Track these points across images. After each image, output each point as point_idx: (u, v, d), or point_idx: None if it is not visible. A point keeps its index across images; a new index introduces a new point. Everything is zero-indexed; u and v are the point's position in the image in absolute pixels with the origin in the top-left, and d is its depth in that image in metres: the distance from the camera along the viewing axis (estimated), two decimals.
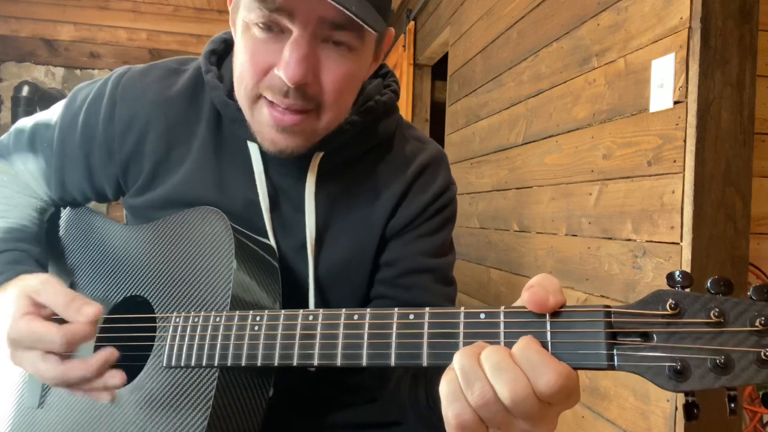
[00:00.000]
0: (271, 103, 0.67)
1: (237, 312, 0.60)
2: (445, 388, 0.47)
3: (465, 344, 0.48)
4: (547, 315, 0.47)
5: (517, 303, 0.50)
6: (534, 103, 2.07)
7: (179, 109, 0.79)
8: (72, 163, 0.82)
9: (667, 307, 0.44)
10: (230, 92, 0.76)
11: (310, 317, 0.55)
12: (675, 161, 1.32)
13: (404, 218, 0.80)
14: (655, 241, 1.37)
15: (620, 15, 1.56)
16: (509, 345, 0.46)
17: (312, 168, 0.76)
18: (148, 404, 0.66)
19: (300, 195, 0.77)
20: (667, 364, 0.43)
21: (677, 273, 0.46)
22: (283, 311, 0.57)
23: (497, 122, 2.43)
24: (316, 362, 0.53)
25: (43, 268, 0.78)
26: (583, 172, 1.71)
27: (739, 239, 1.28)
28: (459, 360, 0.46)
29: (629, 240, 1.48)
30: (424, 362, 0.49)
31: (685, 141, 1.29)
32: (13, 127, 0.88)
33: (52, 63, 4.54)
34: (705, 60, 1.26)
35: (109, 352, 0.60)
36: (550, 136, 1.94)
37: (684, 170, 1.29)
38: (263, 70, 0.66)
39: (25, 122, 0.87)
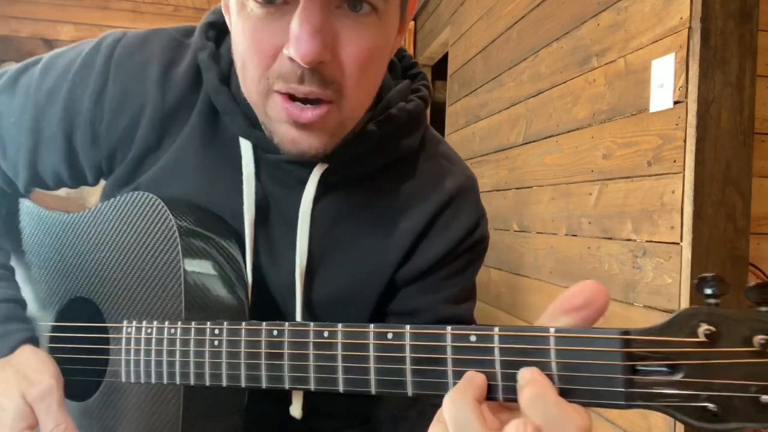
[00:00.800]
0: (286, 96, 0.55)
1: (193, 324, 0.53)
2: None
3: (454, 373, 0.40)
4: (552, 339, 0.38)
5: (546, 317, 0.40)
6: (534, 103, 2.07)
7: (180, 91, 0.65)
8: (49, 143, 0.67)
9: (700, 334, 0.35)
10: (227, 76, 0.65)
11: (275, 332, 0.48)
12: (675, 161, 1.32)
13: (424, 261, 0.67)
14: (655, 241, 1.37)
15: (620, 15, 1.56)
16: (507, 375, 0.39)
17: (312, 179, 0.63)
18: (114, 420, 0.61)
19: (294, 210, 0.64)
20: (701, 404, 0.35)
21: (709, 279, 0.37)
22: (244, 324, 0.50)
23: (497, 122, 2.43)
24: (287, 385, 0.47)
25: (24, 310, 0.69)
26: (583, 172, 1.71)
27: (739, 239, 1.28)
28: (451, 410, 0.38)
29: (629, 240, 1.48)
30: (409, 392, 0.42)
31: (685, 141, 1.29)
32: None
33: None
34: (705, 60, 1.26)
35: None
36: (550, 136, 1.94)
37: (684, 170, 1.29)
38: (270, 55, 0.53)
39: None
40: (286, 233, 0.65)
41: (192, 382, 0.52)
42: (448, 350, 0.41)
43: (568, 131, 1.81)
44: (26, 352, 0.62)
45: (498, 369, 0.39)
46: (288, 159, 0.62)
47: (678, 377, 0.36)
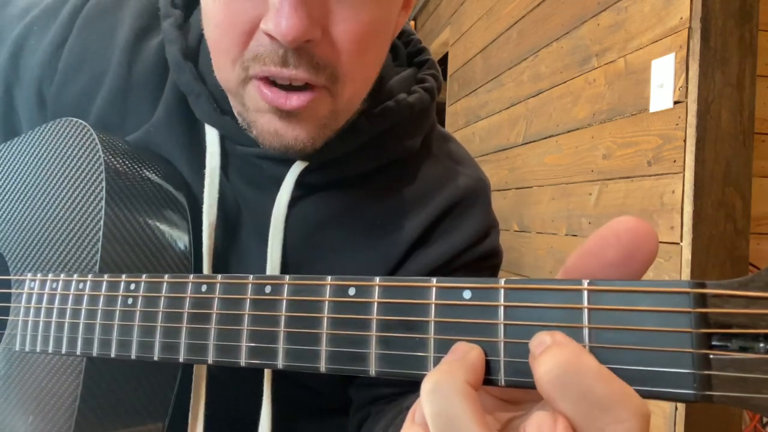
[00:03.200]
0: (264, 80, 0.45)
1: (105, 276, 0.42)
2: None
3: (438, 343, 0.28)
4: (585, 294, 0.25)
5: (569, 265, 0.28)
6: (534, 103, 2.07)
7: (151, 65, 0.55)
8: None
9: None
10: (194, 51, 0.55)
11: (204, 288, 0.37)
12: (675, 161, 1.32)
13: (415, 272, 0.55)
14: None
15: (620, 15, 1.56)
16: (512, 348, 0.27)
17: (287, 179, 0.52)
18: (4, 398, 0.51)
19: (266, 214, 0.53)
20: None
21: None
22: (166, 277, 0.39)
23: (497, 122, 2.43)
24: (210, 358, 0.36)
25: None
26: (583, 172, 1.71)
27: (739, 239, 1.28)
28: (433, 401, 0.25)
29: None
30: (372, 369, 0.30)
31: (685, 141, 1.29)
32: None
33: None
34: (705, 60, 1.26)
35: None
36: (550, 136, 1.94)
37: (684, 170, 1.29)
38: (245, 31, 0.43)
39: None
40: (256, 241, 0.54)
41: (95, 351, 0.41)
42: (432, 311, 0.29)
43: (568, 131, 1.81)
44: None
45: (501, 338, 0.27)
46: (260, 153, 0.52)
47: None
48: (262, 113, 0.46)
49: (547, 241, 1.93)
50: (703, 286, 0.24)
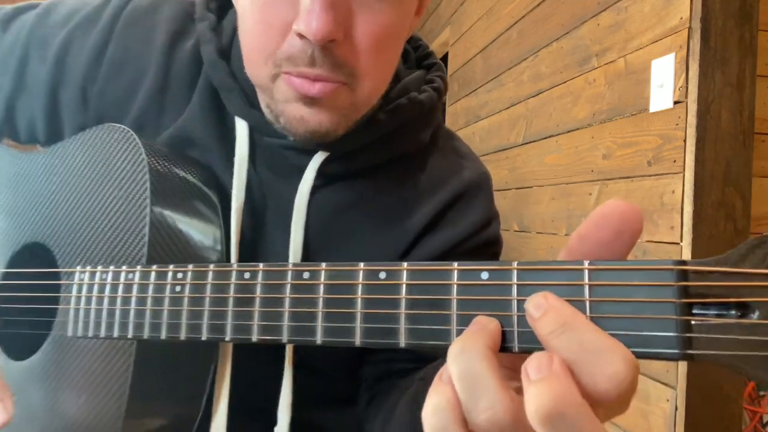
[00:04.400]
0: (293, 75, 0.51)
1: (154, 267, 0.46)
2: (431, 407, 0.30)
3: (459, 318, 0.33)
4: (586, 273, 0.30)
5: (570, 248, 0.34)
6: (534, 103, 2.07)
7: (185, 66, 0.61)
8: (32, 91, 0.63)
9: None
10: (227, 51, 0.61)
11: (247, 275, 0.41)
12: (675, 161, 1.32)
13: (423, 257, 0.61)
14: (655, 241, 1.37)
15: (620, 15, 1.56)
16: (525, 320, 0.31)
17: (310, 168, 0.58)
18: (57, 382, 0.54)
19: (289, 201, 0.58)
20: None
21: None
22: (212, 266, 0.44)
23: (497, 122, 2.43)
24: (255, 336, 0.41)
25: None
26: (583, 172, 1.71)
27: (739, 239, 1.28)
28: (459, 362, 0.30)
29: None
30: (402, 341, 0.35)
31: (685, 141, 1.29)
32: None
33: None
34: (705, 60, 1.26)
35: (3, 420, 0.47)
36: (550, 136, 1.94)
37: (684, 170, 1.29)
38: (279, 32, 0.49)
39: None
40: (280, 226, 0.58)
41: (146, 334, 0.45)
42: (454, 290, 0.34)
43: (568, 131, 1.82)
44: None
45: (514, 312, 0.32)
46: (285, 144, 0.58)
47: (748, 321, 0.27)
48: (289, 103, 0.52)
49: (547, 241, 1.93)
50: (684, 263, 0.29)
